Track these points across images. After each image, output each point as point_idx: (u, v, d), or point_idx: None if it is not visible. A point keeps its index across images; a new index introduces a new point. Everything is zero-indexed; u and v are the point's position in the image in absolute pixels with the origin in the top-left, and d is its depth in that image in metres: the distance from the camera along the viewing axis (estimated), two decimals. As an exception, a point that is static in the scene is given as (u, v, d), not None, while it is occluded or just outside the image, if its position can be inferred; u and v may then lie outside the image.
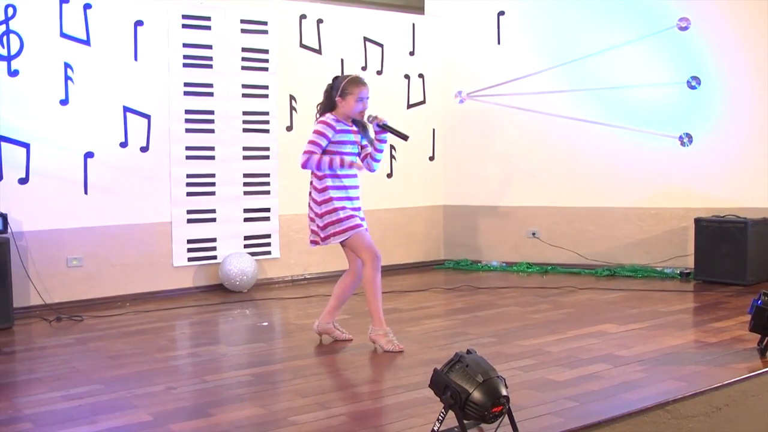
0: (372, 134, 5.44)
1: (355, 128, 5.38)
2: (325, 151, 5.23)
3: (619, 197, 8.34)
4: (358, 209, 5.36)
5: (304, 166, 5.24)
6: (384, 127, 5.35)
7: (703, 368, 4.67)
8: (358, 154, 5.43)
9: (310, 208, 5.36)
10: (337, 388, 4.46)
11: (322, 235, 5.33)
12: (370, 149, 5.48)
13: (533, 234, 8.74)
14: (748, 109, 7.83)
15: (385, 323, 5.35)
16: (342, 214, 5.24)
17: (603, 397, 4.18)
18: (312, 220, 5.37)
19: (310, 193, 5.37)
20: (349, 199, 5.31)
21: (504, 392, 3.41)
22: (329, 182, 5.26)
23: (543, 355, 5.05)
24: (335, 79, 5.39)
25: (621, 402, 4.08)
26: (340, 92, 5.26)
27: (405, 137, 5.44)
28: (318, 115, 5.39)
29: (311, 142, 5.21)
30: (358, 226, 5.27)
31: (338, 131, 5.25)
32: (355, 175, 5.36)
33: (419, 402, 4.12)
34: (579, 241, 8.54)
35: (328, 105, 5.35)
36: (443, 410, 3.45)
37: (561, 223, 8.61)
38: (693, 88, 7.75)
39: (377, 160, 5.50)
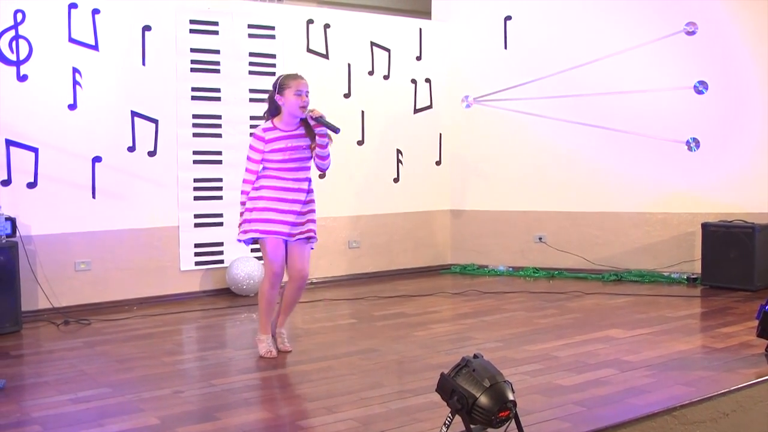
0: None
1: (300, 131, 5.21)
2: (263, 160, 5.16)
3: (626, 202, 8.33)
4: (293, 215, 5.20)
5: (241, 193, 5.24)
6: (318, 121, 5.11)
7: (711, 374, 4.67)
8: (305, 158, 5.25)
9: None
10: (344, 393, 4.45)
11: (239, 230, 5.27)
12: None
13: (540, 239, 8.72)
14: (755, 114, 7.82)
15: (266, 332, 5.36)
16: (257, 215, 5.15)
17: (610, 402, 4.19)
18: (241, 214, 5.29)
19: None
20: (281, 204, 5.17)
21: (511, 397, 3.42)
22: (263, 185, 5.18)
23: (550, 360, 5.06)
24: (274, 81, 5.29)
25: (628, 407, 4.08)
26: (278, 89, 5.16)
27: (336, 130, 5.14)
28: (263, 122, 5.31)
29: (247, 160, 5.20)
30: (270, 232, 5.14)
31: (268, 140, 5.14)
32: (292, 181, 5.19)
33: (426, 406, 4.13)
34: (586, 246, 8.52)
35: (271, 109, 5.24)
36: (450, 415, 3.46)
37: (568, 227, 8.60)
38: (700, 92, 7.74)
39: (321, 157, 5.26)
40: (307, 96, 5.14)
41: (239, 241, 5.30)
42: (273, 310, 5.41)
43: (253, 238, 5.21)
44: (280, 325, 5.54)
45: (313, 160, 5.30)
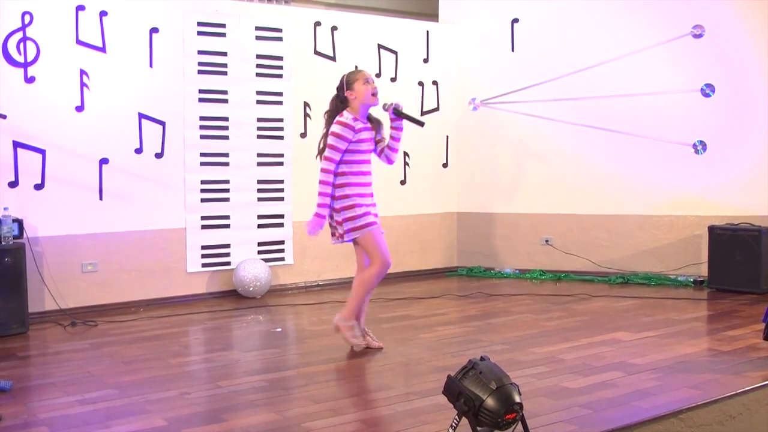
0: (386, 128, 5.49)
1: (369, 125, 5.39)
2: (346, 151, 5.24)
3: (632, 205, 8.32)
4: (373, 206, 5.40)
5: (320, 179, 5.28)
6: (398, 114, 5.37)
7: (717, 377, 4.66)
8: (374, 150, 5.48)
9: (329, 204, 5.31)
10: (351, 395, 4.46)
11: (340, 231, 5.35)
12: (385, 142, 5.51)
13: (546, 241, 8.72)
14: (762, 117, 7.80)
15: (355, 319, 5.42)
16: (359, 211, 5.26)
17: (616, 404, 4.18)
18: (331, 216, 5.36)
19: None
20: (364, 195, 5.33)
21: (517, 399, 3.40)
22: (349, 178, 5.28)
23: (556, 363, 5.05)
24: (337, 85, 5.41)
25: (634, 410, 4.08)
26: (346, 86, 5.32)
27: (421, 123, 5.44)
28: (326, 123, 5.40)
29: (330, 147, 5.23)
30: (373, 224, 5.29)
31: (358, 130, 5.26)
32: (369, 173, 5.39)
33: (432, 408, 4.13)
34: (592, 249, 8.51)
35: (339, 107, 5.35)
36: (456, 417, 3.45)
37: (574, 230, 8.59)
38: (707, 95, 7.72)
39: (395, 150, 5.51)
40: (374, 82, 5.35)
41: (337, 241, 5.43)
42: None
43: (358, 234, 5.28)
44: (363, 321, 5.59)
45: (383, 152, 5.52)
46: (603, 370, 4.86)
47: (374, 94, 5.30)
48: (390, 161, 5.60)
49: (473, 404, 3.37)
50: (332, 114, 5.36)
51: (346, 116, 5.28)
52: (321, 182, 5.26)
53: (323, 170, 5.24)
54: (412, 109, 8.72)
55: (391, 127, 5.45)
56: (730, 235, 7.50)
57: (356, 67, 5.49)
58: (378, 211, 5.45)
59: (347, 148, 5.23)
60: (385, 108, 5.41)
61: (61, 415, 4.17)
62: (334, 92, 5.42)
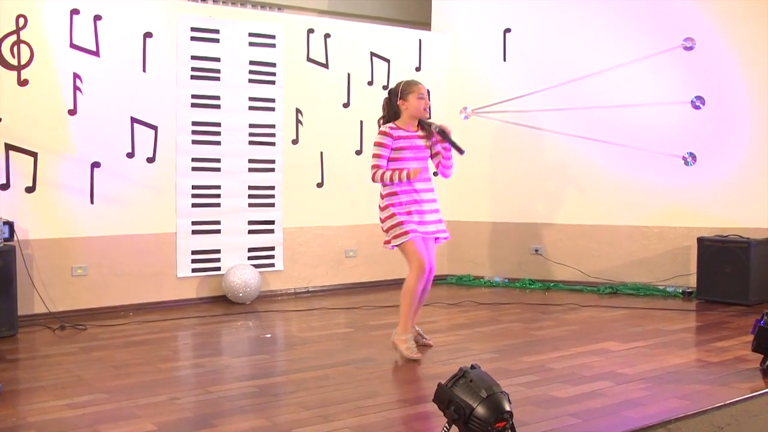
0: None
1: (420, 133, 5.56)
2: (389, 159, 5.45)
3: (622, 215, 8.34)
4: (428, 212, 5.55)
5: (373, 179, 5.51)
6: (442, 135, 5.50)
7: (706, 387, 4.67)
8: (429, 157, 5.62)
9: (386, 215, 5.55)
10: (341, 401, 4.44)
11: (385, 239, 5.53)
12: (440, 157, 5.65)
13: (536, 251, 8.74)
14: (752, 130, 7.83)
15: (409, 330, 5.53)
16: (398, 219, 5.43)
17: (605, 414, 4.18)
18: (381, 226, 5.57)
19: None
20: (417, 202, 5.49)
21: (507, 408, 3.42)
22: (390, 187, 5.48)
23: (546, 372, 5.05)
24: (391, 89, 5.63)
25: (623, 420, 4.08)
26: (400, 95, 5.50)
27: (461, 151, 5.52)
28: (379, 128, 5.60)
29: (374, 156, 5.48)
30: (411, 231, 5.40)
31: (396, 138, 5.45)
32: (427, 179, 5.56)
33: (422, 416, 4.13)
34: (582, 259, 8.53)
35: (391, 114, 5.56)
36: (447, 425, 3.47)
37: (564, 240, 8.61)
38: (697, 107, 7.76)
39: (446, 167, 5.65)
40: (428, 98, 5.58)
41: (392, 247, 5.54)
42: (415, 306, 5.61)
43: (398, 243, 5.45)
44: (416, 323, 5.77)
45: (438, 166, 5.66)
46: (592, 379, 4.86)
47: (425, 108, 5.53)
48: (443, 175, 5.73)
49: (463, 412, 3.38)
50: (385, 121, 5.59)
51: (384, 126, 5.52)
52: (373, 177, 5.51)
53: (371, 171, 5.50)
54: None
55: (441, 147, 5.60)
56: (719, 247, 7.52)
57: (414, 79, 5.63)
58: (436, 218, 5.61)
59: (390, 156, 5.46)
60: (433, 128, 5.53)
61: (51, 419, 4.15)
62: (386, 97, 5.63)
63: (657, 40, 8.02)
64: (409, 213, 5.46)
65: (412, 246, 5.41)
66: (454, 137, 5.54)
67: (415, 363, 5.33)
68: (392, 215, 5.45)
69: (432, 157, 5.66)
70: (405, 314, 5.50)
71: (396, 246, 5.47)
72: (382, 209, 5.53)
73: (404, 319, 5.51)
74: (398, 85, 5.57)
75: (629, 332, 6.31)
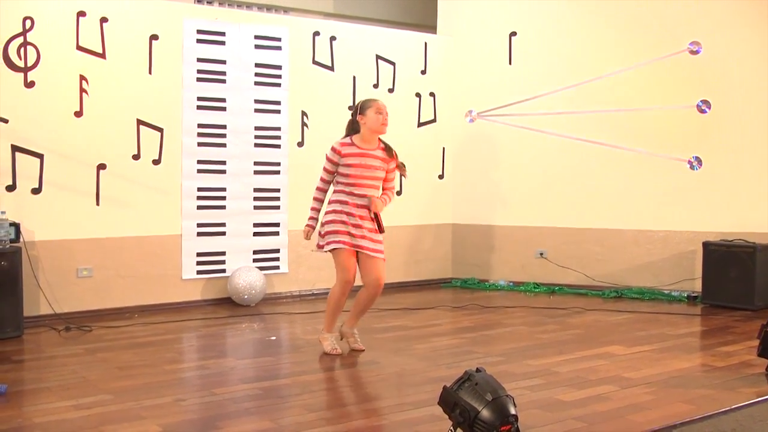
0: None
1: (378, 153, 5.67)
2: (337, 172, 5.64)
3: (627, 219, 8.33)
4: (357, 227, 5.59)
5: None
6: (375, 217, 5.65)
7: (711, 392, 4.67)
8: (376, 178, 5.67)
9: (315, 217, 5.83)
10: (345, 404, 4.46)
11: (318, 241, 5.73)
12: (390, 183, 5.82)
13: (541, 254, 8.72)
14: (758, 134, 7.82)
15: (334, 331, 5.80)
16: (331, 228, 5.59)
17: (610, 418, 4.18)
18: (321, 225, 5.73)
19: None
20: (350, 215, 5.59)
21: (513, 411, 3.43)
22: (336, 196, 5.67)
23: (551, 375, 5.05)
24: (354, 107, 5.84)
25: (628, 424, 4.08)
26: (359, 110, 5.66)
27: (381, 231, 5.67)
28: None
29: (322, 168, 5.72)
30: (339, 242, 5.55)
31: (344, 155, 5.60)
32: (355, 194, 5.61)
33: (427, 419, 4.12)
34: (586, 263, 8.52)
35: (351, 129, 5.73)
36: (452, 428, 3.47)
37: (569, 243, 8.60)
38: (703, 111, 7.76)
39: (387, 199, 5.79)
40: (386, 114, 5.67)
41: (320, 250, 5.76)
42: (339, 313, 5.80)
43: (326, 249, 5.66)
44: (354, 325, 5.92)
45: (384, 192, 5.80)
46: (597, 383, 4.86)
47: (383, 124, 5.64)
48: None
49: (468, 415, 3.39)
50: (345, 135, 5.76)
51: (336, 142, 5.70)
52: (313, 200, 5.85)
53: (315, 191, 5.83)
54: (407, 119, 8.77)
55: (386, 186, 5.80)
56: (725, 251, 7.51)
57: (375, 98, 5.75)
58: (368, 235, 5.62)
59: (337, 171, 5.64)
60: (384, 131, 5.71)
61: (56, 419, 4.15)
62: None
63: (663, 44, 8.01)
64: (338, 222, 5.60)
65: (339, 256, 5.60)
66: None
67: (421, 366, 5.32)
68: (330, 221, 5.61)
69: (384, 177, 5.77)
70: (326, 315, 5.78)
71: (328, 251, 5.65)
72: (325, 213, 5.69)
73: (325, 319, 5.79)
74: (359, 102, 5.76)
75: (634, 336, 6.30)
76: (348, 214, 5.56)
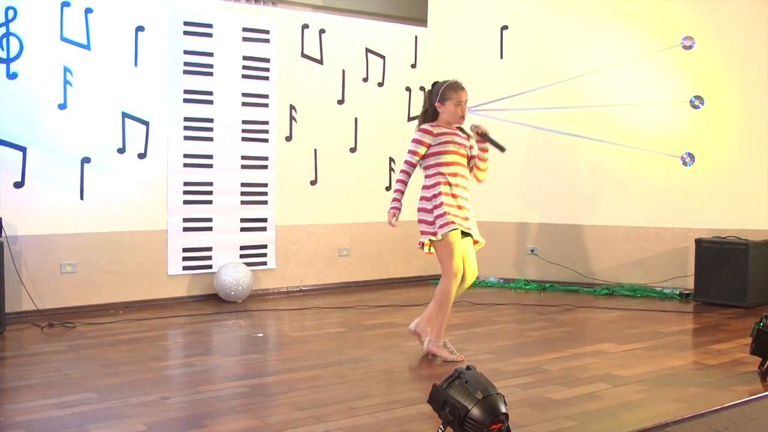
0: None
1: (460, 133, 5.48)
2: (429, 155, 5.38)
3: (619, 216, 8.31)
4: (466, 219, 5.45)
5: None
6: (483, 137, 5.44)
7: (704, 390, 4.66)
8: (467, 157, 5.50)
9: (420, 208, 5.46)
10: (334, 402, 4.40)
11: (431, 230, 5.37)
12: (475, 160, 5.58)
13: (532, 251, 8.70)
14: (751, 130, 7.81)
15: (443, 336, 5.48)
16: (442, 210, 5.32)
17: (602, 416, 4.17)
18: (421, 221, 5.44)
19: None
20: (455, 197, 5.39)
21: (503, 409, 3.41)
22: (442, 188, 5.37)
23: (541, 373, 5.03)
24: (434, 85, 5.53)
25: (620, 422, 4.07)
26: (439, 97, 5.41)
27: (502, 149, 5.48)
28: (418, 124, 5.55)
29: (408, 151, 5.43)
30: (452, 223, 5.30)
31: (437, 134, 5.37)
32: (458, 175, 5.42)
33: (416, 417, 4.10)
34: (578, 259, 8.50)
35: (429, 114, 5.49)
36: (441, 426, 3.45)
37: (560, 240, 8.57)
38: (696, 107, 7.73)
39: (481, 169, 5.59)
40: (465, 106, 5.44)
41: (423, 246, 5.47)
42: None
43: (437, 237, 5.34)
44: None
45: (472, 170, 5.58)
46: (588, 381, 4.85)
47: (461, 117, 5.44)
48: (477, 179, 5.65)
49: (458, 414, 3.37)
50: (423, 118, 5.54)
51: (425, 125, 5.44)
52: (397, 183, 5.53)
53: (400, 173, 5.49)
54: (397, 114, 8.71)
55: (478, 148, 5.54)
56: (717, 248, 7.50)
57: (458, 81, 5.50)
58: (473, 225, 5.53)
59: (430, 152, 5.38)
60: (471, 129, 5.49)
61: (39, 418, 4.11)
62: (428, 90, 5.54)
63: (656, 39, 7.98)
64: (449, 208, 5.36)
65: (444, 248, 5.34)
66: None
67: (410, 364, 5.31)
68: (441, 204, 5.33)
69: (469, 160, 5.56)
70: (435, 319, 5.48)
71: (439, 239, 5.32)
72: (428, 198, 5.41)
73: (437, 325, 5.47)
74: (441, 85, 5.46)
75: (626, 334, 6.29)
76: (453, 195, 5.37)
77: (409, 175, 5.44)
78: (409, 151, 5.41)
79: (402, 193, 5.45)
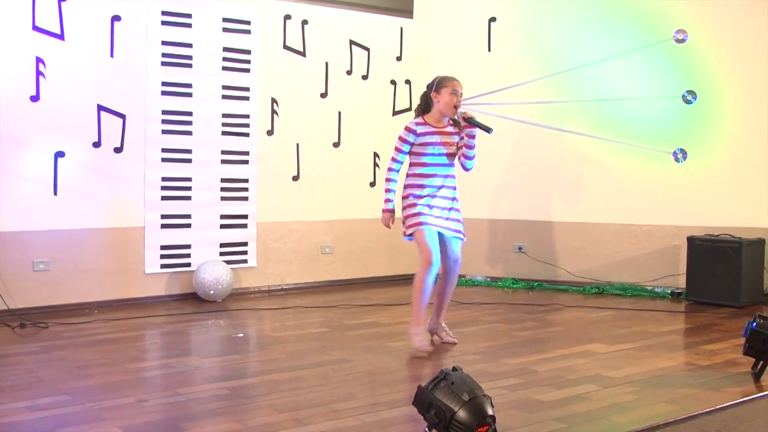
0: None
1: (448, 129, 5.65)
2: (411, 153, 5.63)
3: (609, 213, 8.28)
4: (442, 209, 5.64)
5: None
6: (468, 121, 5.56)
7: (695, 391, 4.64)
8: (452, 154, 5.66)
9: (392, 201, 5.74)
10: (316, 404, 4.35)
11: (403, 229, 5.71)
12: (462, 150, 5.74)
13: (520, 248, 8.65)
14: (744, 126, 7.78)
15: (422, 323, 5.65)
16: (413, 210, 5.57)
17: (591, 419, 4.15)
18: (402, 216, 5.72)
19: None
20: (431, 197, 5.59)
21: (490, 411, 3.41)
22: (410, 180, 5.66)
23: (529, 375, 5.00)
24: (430, 82, 5.73)
25: (610, 424, 4.04)
26: (435, 87, 5.63)
27: (489, 130, 5.54)
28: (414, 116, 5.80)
29: (395, 148, 5.68)
30: (421, 223, 5.52)
31: (420, 134, 5.58)
32: (436, 175, 5.61)
33: (401, 420, 4.07)
34: (567, 257, 8.46)
35: (423, 105, 5.73)
36: (427, 429, 3.44)
37: (549, 237, 8.53)
38: (689, 102, 7.60)
39: (468, 158, 5.69)
40: (461, 96, 5.63)
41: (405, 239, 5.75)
42: (426, 299, 5.66)
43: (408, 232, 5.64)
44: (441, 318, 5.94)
45: (458, 159, 5.72)
46: (577, 382, 4.82)
47: (455, 106, 5.59)
48: (464, 167, 5.77)
49: (444, 416, 3.36)
50: (417, 111, 5.78)
51: (410, 122, 5.68)
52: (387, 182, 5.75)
53: (387, 171, 5.74)
54: (382, 108, 8.62)
55: (465, 134, 5.65)
56: (710, 247, 7.46)
57: (452, 75, 5.77)
58: (452, 216, 5.72)
59: (410, 151, 5.62)
60: (457, 117, 5.64)
61: (9, 422, 4.03)
62: (426, 88, 5.76)
63: (648, 32, 7.90)
64: (417, 205, 5.59)
65: (420, 239, 5.52)
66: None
67: (395, 365, 5.26)
68: (410, 204, 5.60)
69: (457, 150, 5.71)
70: (414, 307, 5.63)
71: (409, 235, 5.61)
72: (402, 197, 5.68)
73: (414, 311, 5.63)
74: (436, 78, 5.68)
75: (616, 334, 6.27)
76: (429, 196, 5.58)
77: (397, 172, 5.69)
78: (395, 149, 5.66)
79: (393, 192, 5.68)
